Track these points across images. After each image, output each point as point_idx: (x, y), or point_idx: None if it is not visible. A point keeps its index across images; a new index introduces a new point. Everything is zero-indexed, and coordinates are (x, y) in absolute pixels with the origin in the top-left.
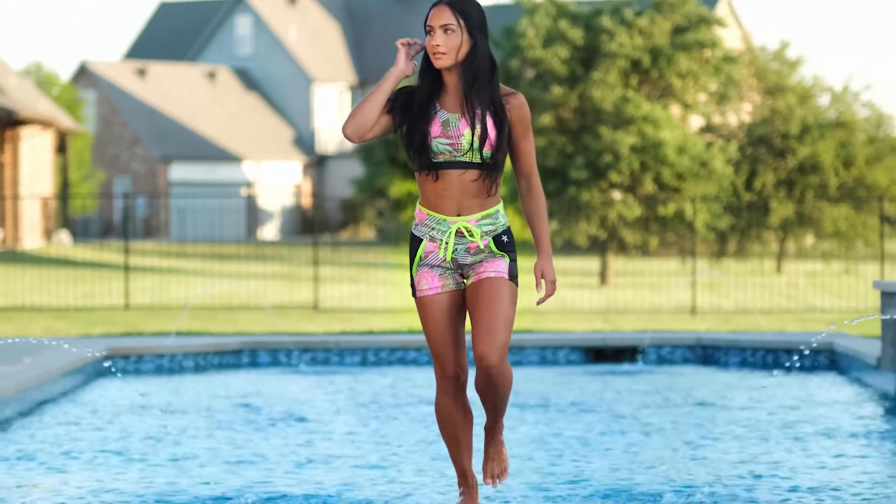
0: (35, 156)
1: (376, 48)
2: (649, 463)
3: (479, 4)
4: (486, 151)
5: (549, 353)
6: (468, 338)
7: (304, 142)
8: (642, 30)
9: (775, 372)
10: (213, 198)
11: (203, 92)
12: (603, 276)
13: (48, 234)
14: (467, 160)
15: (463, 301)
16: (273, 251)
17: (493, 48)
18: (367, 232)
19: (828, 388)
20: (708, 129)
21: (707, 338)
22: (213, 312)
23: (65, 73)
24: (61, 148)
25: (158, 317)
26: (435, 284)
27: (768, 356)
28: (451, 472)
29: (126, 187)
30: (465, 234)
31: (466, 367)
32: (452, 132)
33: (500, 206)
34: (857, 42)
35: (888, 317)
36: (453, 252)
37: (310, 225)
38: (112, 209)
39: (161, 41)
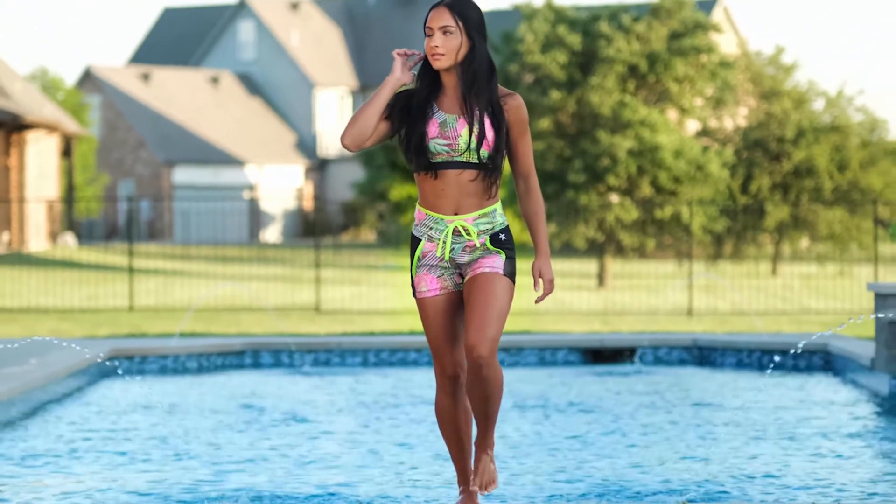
0: (41, 159)
1: (377, 53)
2: (646, 462)
3: (477, 7)
4: (484, 152)
5: (547, 354)
6: None
7: (305, 146)
8: (639, 35)
9: (769, 371)
10: (216, 201)
11: (206, 96)
12: (601, 278)
13: (53, 236)
14: (464, 160)
15: (461, 301)
16: (275, 253)
17: (493, 53)
18: (368, 234)
19: (823, 389)
20: (704, 133)
21: (703, 339)
22: (217, 314)
23: (70, 77)
24: (66, 152)
25: (162, 318)
26: (433, 287)
27: (764, 357)
28: (452, 471)
29: (130, 190)
30: (462, 232)
31: (465, 367)
32: (450, 133)
33: (497, 205)
34: (852, 47)
35: (881, 316)
36: (451, 251)
37: (311, 228)
38: (116, 212)
39: (165, 46)
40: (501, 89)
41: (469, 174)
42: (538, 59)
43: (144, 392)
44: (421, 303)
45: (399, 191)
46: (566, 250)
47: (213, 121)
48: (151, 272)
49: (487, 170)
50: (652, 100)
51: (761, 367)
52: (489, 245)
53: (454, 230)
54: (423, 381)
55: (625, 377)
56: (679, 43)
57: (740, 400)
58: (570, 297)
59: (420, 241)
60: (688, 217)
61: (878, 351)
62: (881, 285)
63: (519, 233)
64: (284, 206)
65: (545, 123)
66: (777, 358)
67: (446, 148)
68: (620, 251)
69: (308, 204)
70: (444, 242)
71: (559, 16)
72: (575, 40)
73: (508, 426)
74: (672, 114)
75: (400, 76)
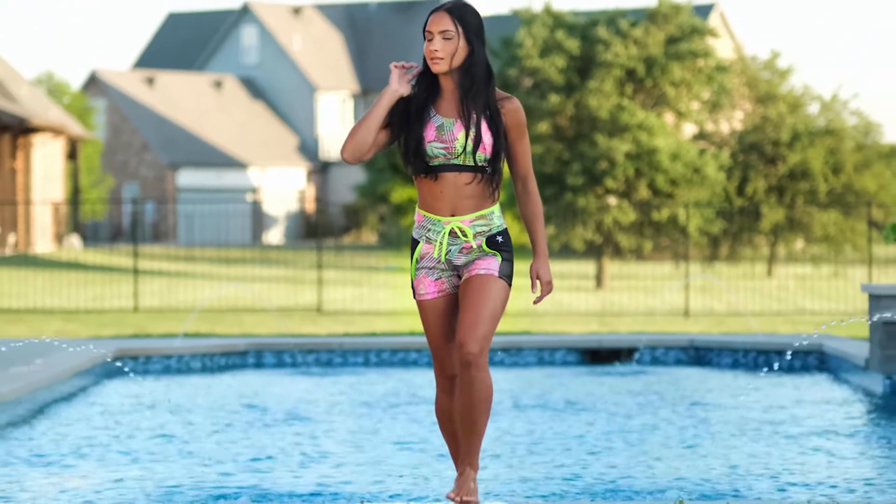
0: (46, 162)
1: (378, 57)
2: (644, 461)
3: (477, 12)
4: (480, 155)
5: (546, 355)
6: None
7: (307, 149)
8: (637, 40)
9: (764, 370)
10: (219, 203)
11: (210, 100)
12: (599, 280)
13: (59, 238)
14: (461, 163)
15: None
16: (278, 255)
17: (492, 57)
18: (370, 236)
19: (817, 389)
20: (701, 136)
21: (700, 339)
22: (220, 315)
23: (75, 81)
24: (72, 154)
25: (166, 319)
26: (431, 290)
27: (759, 357)
28: (452, 470)
29: (135, 193)
30: (459, 234)
31: None
32: (447, 136)
33: (495, 208)
34: (846, 52)
35: (876, 318)
36: (447, 253)
37: (313, 229)
38: (121, 214)
39: (169, 51)
40: (499, 93)
41: (466, 177)
42: (537, 63)
43: (150, 391)
44: (420, 305)
45: (400, 193)
46: (564, 252)
47: (217, 124)
48: (156, 273)
49: (484, 172)
50: (649, 103)
51: (757, 367)
52: (485, 247)
53: (451, 231)
54: (424, 382)
55: (622, 377)
56: (676, 47)
57: (736, 400)
58: (569, 298)
59: (419, 242)
60: (684, 219)
61: (872, 351)
62: (875, 286)
63: (518, 235)
64: (287, 208)
65: (544, 127)
66: (777, 363)
67: (443, 151)
68: (618, 253)
69: (310, 206)
70: (441, 244)
71: (558, 21)
72: (573, 45)
73: (507, 425)
74: (669, 117)
75: (397, 88)
